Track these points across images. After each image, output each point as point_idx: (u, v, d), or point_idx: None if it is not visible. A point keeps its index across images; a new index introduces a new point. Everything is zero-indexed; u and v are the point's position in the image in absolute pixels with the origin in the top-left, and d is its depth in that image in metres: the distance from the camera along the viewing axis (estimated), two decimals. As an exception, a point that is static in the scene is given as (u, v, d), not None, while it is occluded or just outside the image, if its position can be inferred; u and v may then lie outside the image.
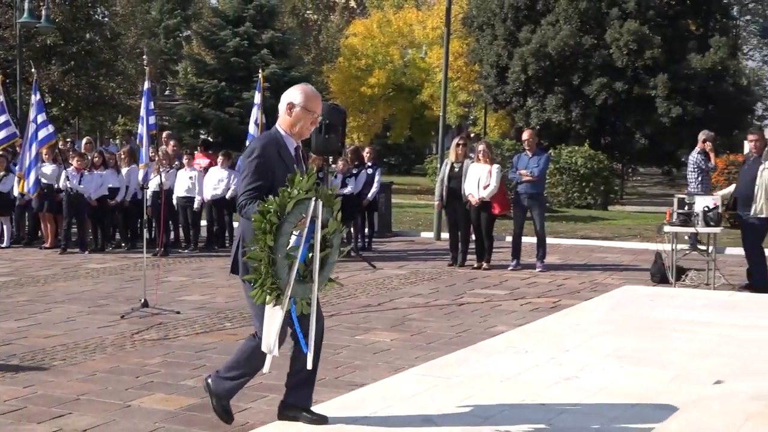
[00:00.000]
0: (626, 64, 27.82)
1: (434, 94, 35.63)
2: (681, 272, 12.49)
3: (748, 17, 59.05)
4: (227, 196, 15.96)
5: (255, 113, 15.17)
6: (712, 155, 15.46)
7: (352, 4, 57.64)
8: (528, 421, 5.74)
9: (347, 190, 15.22)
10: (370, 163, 16.24)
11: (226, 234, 16.49)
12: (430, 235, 18.35)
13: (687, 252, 13.08)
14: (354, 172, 15.65)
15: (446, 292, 11.69)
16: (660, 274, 12.50)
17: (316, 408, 5.88)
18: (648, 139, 28.90)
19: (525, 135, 14.46)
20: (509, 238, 14.55)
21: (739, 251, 12.56)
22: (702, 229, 12.08)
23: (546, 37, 28.44)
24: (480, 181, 13.70)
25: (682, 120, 27.59)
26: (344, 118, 14.50)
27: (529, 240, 14.26)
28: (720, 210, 12.17)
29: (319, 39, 52.28)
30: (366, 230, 16.51)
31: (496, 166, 13.88)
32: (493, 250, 14.20)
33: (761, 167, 11.60)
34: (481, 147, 14.24)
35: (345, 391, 6.59)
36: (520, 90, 29.37)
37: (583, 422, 5.73)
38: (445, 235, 15.05)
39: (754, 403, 6.13)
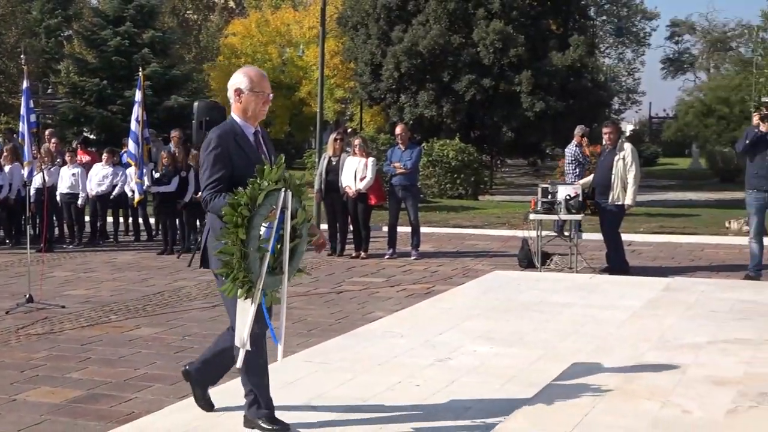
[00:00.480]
0: (493, 61, 28.20)
1: (312, 91, 35.60)
2: (546, 257, 12.76)
3: (604, 17, 60.71)
4: (112, 194, 15.74)
5: (136, 111, 14.88)
6: (586, 149, 15.88)
7: (231, 4, 57.11)
8: (404, 402, 5.79)
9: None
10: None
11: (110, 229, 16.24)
12: (310, 226, 18.28)
13: (551, 238, 13.36)
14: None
15: (326, 281, 11.70)
16: (527, 259, 12.74)
17: (190, 398, 5.80)
18: (514, 132, 29.36)
19: (398, 129, 14.58)
20: (385, 228, 14.62)
21: (599, 236, 12.88)
22: (564, 216, 12.35)
23: (417, 36, 28.62)
24: (356, 173, 13.76)
25: (545, 114, 28.14)
26: (224, 115, 14.31)
27: (404, 229, 14.37)
28: (581, 198, 12.47)
29: (199, 38, 51.59)
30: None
31: (371, 160, 13.96)
32: (370, 239, 14.26)
33: (616, 158, 11.93)
34: (357, 141, 14.29)
35: (227, 379, 6.54)
36: (394, 87, 29.49)
37: (456, 401, 5.81)
38: (324, 225, 15.04)
39: (612, 377, 6.30)
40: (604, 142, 12.57)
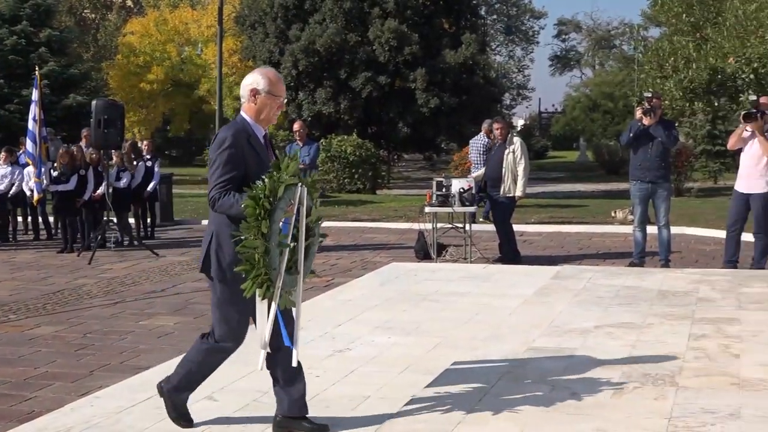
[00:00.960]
0: (388, 59, 28.36)
1: (211, 89, 35.20)
2: (441, 249, 12.86)
3: (494, 16, 61.43)
4: (10, 193, 15.34)
5: (33, 110, 14.57)
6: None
7: (129, 3, 56.16)
8: (307, 393, 5.77)
9: (122, 183, 14.80)
10: (148, 156, 15.91)
11: (9, 228, 15.79)
12: (211, 222, 18.12)
13: (446, 230, 13.47)
14: (125, 166, 15.14)
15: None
16: (423, 251, 12.82)
17: (99, 393, 5.70)
18: (410, 127, 29.57)
19: (296, 126, 14.49)
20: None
21: (492, 227, 13.03)
22: (458, 209, 12.46)
23: (314, 34, 28.61)
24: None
25: (440, 110, 28.44)
26: (122, 113, 14.19)
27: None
28: (474, 191, 12.61)
29: (97, 37, 50.66)
30: (148, 220, 16.20)
31: (270, 156, 13.87)
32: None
33: (506, 152, 12.11)
34: (255, 139, 14.18)
35: (129, 375, 6.44)
36: (292, 84, 29.41)
37: (355, 390, 5.82)
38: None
39: (505, 363, 6.40)
40: (494, 137, 12.74)
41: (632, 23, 55.80)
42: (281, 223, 4.73)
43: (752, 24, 19.44)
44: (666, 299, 8.69)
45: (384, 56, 28.32)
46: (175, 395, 5.23)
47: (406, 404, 5.47)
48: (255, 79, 5.13)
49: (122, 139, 14.58)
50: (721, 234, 11.45)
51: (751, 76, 19.68)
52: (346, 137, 26.80)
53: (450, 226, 13.30)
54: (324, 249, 13.86)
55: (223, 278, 4.98)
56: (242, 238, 4.67)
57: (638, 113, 11.47)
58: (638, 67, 25.36)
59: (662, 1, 24.10)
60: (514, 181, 12.08)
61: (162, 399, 5.28)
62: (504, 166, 12.07)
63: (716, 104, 22.66)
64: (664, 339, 7.07)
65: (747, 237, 11.13)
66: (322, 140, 25.41)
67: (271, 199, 4.65)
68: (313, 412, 5.17)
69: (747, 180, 10.78)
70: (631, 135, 11.36)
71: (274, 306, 4.79)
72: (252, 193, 4.65)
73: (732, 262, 10.89)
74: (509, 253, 12.27)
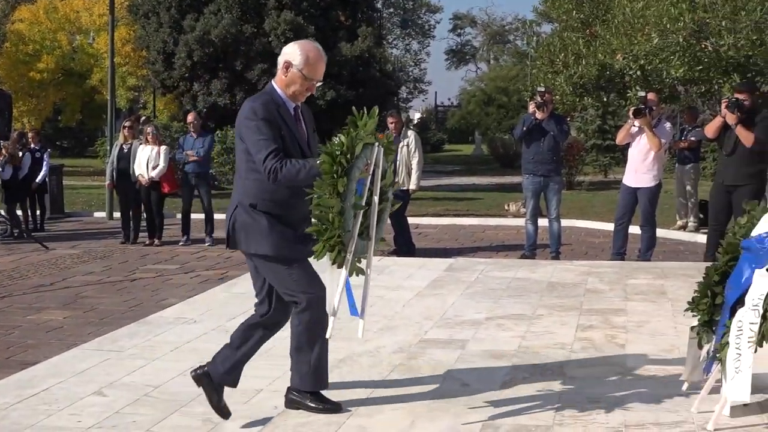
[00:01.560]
0: (284, 51, 28.21)
1: (103, 79, 34.40)
2: (336, 241, 12.86)
3: (391, 10, 61.62)
4: None
5: None
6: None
7: (18, -11, 54.60)
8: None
9: (6, 174, 14.46)
10: (36, 147, 15.54)
11: None
12: (103, 214, 17.82)
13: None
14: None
15: (119, 269, 11.42)
16: (318, 243, 12.80)
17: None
18: (306, 120, 29.48)
19: (190, 117, 14.40)
20: (179, 216, 14.41)
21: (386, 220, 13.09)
22: (354, 202, 12.48)
23: (209, 25, 28.25)
24: (149, 161, 13.49)
25: (336, 102, 28.36)
26: (10, 103, 13.82)
27: (198, 216, 14.18)
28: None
29: (-16, 24, 49.12)
30: (37, 212, 15.84)
31: (164, 148, 13.72)
32: (164, 227, 14.01)
33: (401, 145, 12.18)
34: (149, 129, 14.02)
35: (16, 370, 6.29)
36: (187, 75, 29.00)
37: (248, 383, 5.76)
38: (117, 214, 14.65)
39: (397, 355, 6.45)
40: (388, 130, 12.80)
41: (526, 19, 56.64)
42: (356, 183, 4.55)
43: (639, 22, 19.86)
44: (555, 291, 8.87)
45: (280, 48, 27.88)
46: (309, 383, 5.22)
47: (299, 397, 5.47)
48: (293, 52, 4.97)
49: (9, 129, 14.21)
50: (610, 227, 11.73)
51: (638, 72, 20.11)
52: (241, 129, 26.54)
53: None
54: (219, 242, 13.75)
55: (260, 253, 4.93)
56: (317, 195, 4.50)
57: (531, 107, 11.65)
58: (530, 63, 25.74)
59: (554, -3, 24.47)
60: (408, 174, 12.18)
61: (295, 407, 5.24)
62: (398, 159, 12.14)
63: (605, 100, 23.12)
64: (553, 330, 7.21)
65: (634, 230, 11.42)
66: (217, 132, 25.12)
67: (348, 156, 4.49)
68: (204, 407, 5.13)
69: (635, 174, 11.05)
70: (524, 128, 11.53)
71: (344, 272, 4.68)
72: (328, 149, 4.50)
73: (620, 254, 11.16)
74: (404, 245, 12.36)
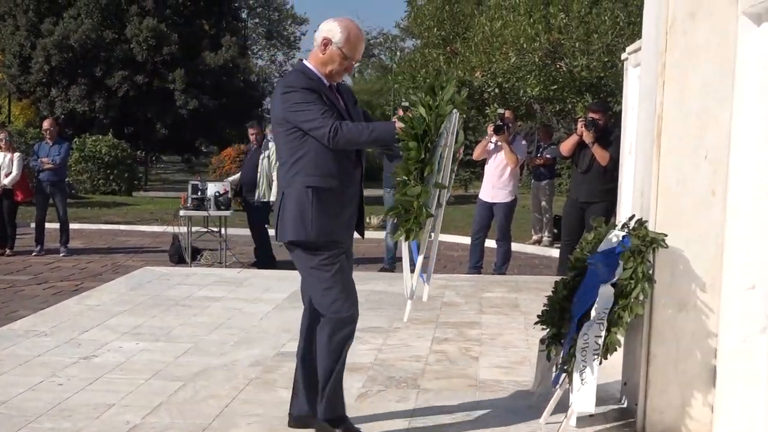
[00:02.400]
0: (146, 58, 27.79)
1: (-45, 82, 33.25)
2: (196, 252, 12.73)
3: (256, 20, 61.30)
4: None
5: None
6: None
7: None
8: (45, 401, 5.55)
9: None
10: None
11: None
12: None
13: (202, 234, 13.33)
14: None
15: (-33, 280, 11.01)
16: (177, 254, 12.66)
17: None
18: (168, 129, 29.10)
19: (45, 124, 14.01)
20: (33, 225, 13.99)
21: (248, 232, 13.02)
22: (213, 213, 12.38)
23: (68, 29, 27.63)
24: (2, 168, 13.07)
25: (199, 112, 28.11)
26: None
27: (52, 225, 13.80)
28: (230, 195, 12.56)
29: None
30: None
31: (17, 155, 13.34)
32: (17, 236, 13.58)
33: (262, 156, 12.15)
34: (1, 135, 13.57)
35: None
36: (45, 80, 28.28)
37: (100, 398, 5.66)
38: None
39: (253, 368, 6.41)
40: (250, 142, 12.74)
41: (390, 34, 57.17)
42: (437, 159, 4.35)
43: (497, 41, 20.32)
44: (413, 304, 8.94)
45: (142, 55, 27.73)
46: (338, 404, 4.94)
47: (152, 412, 5.38)
48: (332, 29, 4.66)
49: None
50: (469, 240, 11.95)
51: (497, 90, 20.58)
52: (101, 137, 25.98)
53: (205, 230, 13.17)
54: (75, 252, 13.44)
55: (304, 242, 4.70)
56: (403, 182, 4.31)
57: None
58: (393, 77, 25.98)
59: (415, 14, 24.84)
60: (270, 186, 12.13)
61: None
62: (259, 170, 12.11)
63: (464, 115, 23.50)
64: (409, 343, 7.30)
65: (491, 244, 11.66)
66: (75, 139, 24.53)
67: (433, 137, 4.27)
68: (53, 423, 5.00)
69: (491, 190, 11.28)
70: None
71: (405, 246, 4.59)
72: (410, 131, 4.25)
73: (476, 267, 11.37)
74: (264, 257, 12.30)
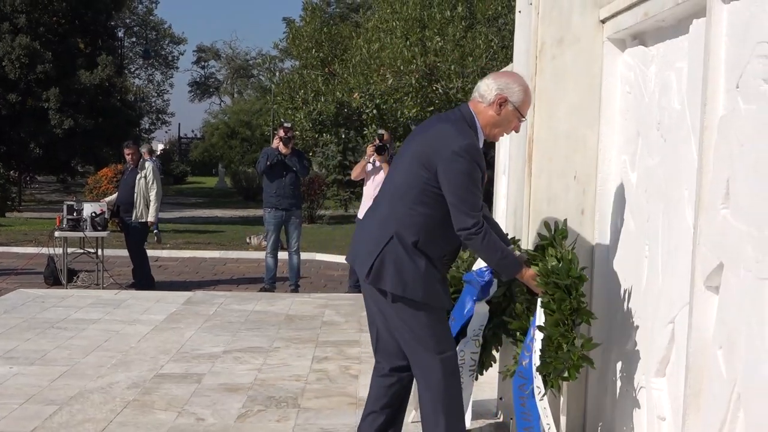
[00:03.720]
0: (19, 76, 26.99)
1: None
2: (72, 274, 12.43)
3: (134, 39, 60.37)
4: None
5: None
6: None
7: None
8: None
9: None
10: None
11: None
12: None
13: (78, 255, 13.01)
14: None
15: None
16: (53, 276, 12.34)
17: None
18: (43, 149, 28.29)
19: None
20: None
21: (126, 253, 12.77)
22: (90, 234, 12.13)
23: (-65, 46, 26.71)
24: None
25: (75, 131, 27.46)
26: None
27: None
28: (107, 215, 12.32)
29: None
30: None
31: None
32: None
33: (138, 176, 11.98)
34: None
35: None
36: None
37: (41, 399, 5.49)
38: None
39: (131, 390, 6.30)
40: (126, 162, 12.53)
41: (268, 54, 57.08)
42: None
43: (375, 63, 20.57)
44: (293, 323, 8.96)
45: (15, 73, 26.91)
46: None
47: (26, 438, 5.24)
48: (509, 86, 4.24)
49: None
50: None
51: (375, 111, 20.80)
52: (-29, 157, 25.18)
53: (82, 251, 12.87)
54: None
55: (415, 298, 4.21)
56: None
57: (276, 142, 11.70)
58: (272, 98, 25.98)
59: (294, 35, 24.93)
60: (147, 206, 11.95)
61: None
62: (136, 191, 11.92)
63: (343, 136, 23.67)
64: (289, 362, 7.29)
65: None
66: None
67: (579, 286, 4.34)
68: None
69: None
70: (268, 163, 11.61)
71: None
72: (554, 280, 4.28)
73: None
74: (143, 279, 12.09)
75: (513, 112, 4.24)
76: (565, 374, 4.34)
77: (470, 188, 4.07)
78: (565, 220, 4.53)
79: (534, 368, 4.38)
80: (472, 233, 4.07)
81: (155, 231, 15.73)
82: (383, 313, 4.35)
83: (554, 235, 4.44)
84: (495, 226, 4.57)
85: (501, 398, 5.75)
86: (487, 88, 4.25)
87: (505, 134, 4.40)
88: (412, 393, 4.66)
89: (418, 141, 4.32)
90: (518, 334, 4.67)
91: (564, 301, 4.23)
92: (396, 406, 4.58)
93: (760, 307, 3.15)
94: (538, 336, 4.37)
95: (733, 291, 3.36)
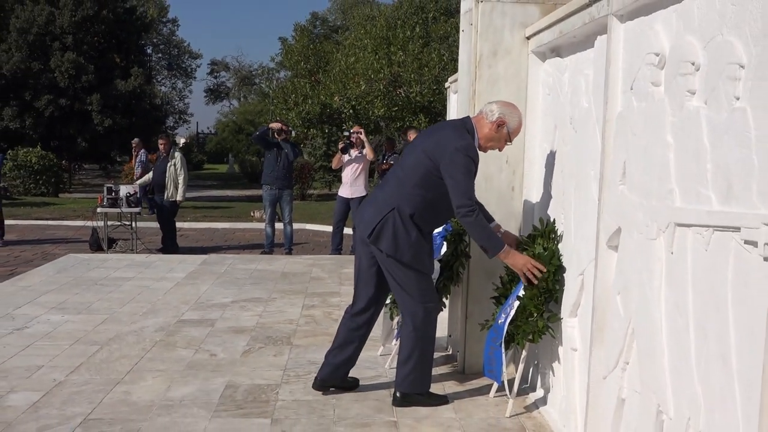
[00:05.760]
0: (68, 85, 26.67)
1: None
2: (112, 242, 12.32)
3: (159, 55, 59.71)
4: None
5: None
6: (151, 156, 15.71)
7: None
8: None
9: None
10: None
11: None
12: None
13: (116, 226, 12.90)
14: None
15: None
16: (96, 243, 12.22)
17: None
18: (87, 143, 28.00)
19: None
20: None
21: (154, 224, 12.65)
22: (125, 210, 12.02)
23: (1, 61, 26.28)
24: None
25: (113, 129, 27.20)
26: None
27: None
28: (139, 195, 12.20)
29: None
30: None
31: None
32: (-42, 232, 12.84)
33: (169, 164, 11.86)
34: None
35: None
36: (-19, 103, 26.79)
37: (31, 361, 5.43)
38: None
39: (158, 333, 6.26)
40: (159, 151, 12.41)
41: (268, 66, 56.53)
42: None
43: (351, 72, 20.45)
44: (287, 279, 8.93)
45: (64, 82, 26.56)
46: (422, 387, 4.51)
47: (74, 370, 5.20)
48: (511, 113, 4.29)
49: None
50: (331, 229, 11.93)
51: (351, 111, 20.70)
52: (31, 149, 24.79)
53: (119, 223, 12.76)
54: (10, 243, 12.82)
55: (402, 260, 4.28)
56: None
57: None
58: (270, 101, 25.80)
59: (287, 51, 24.75)
60: (176, 188, 11.85)
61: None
62: (167, 175, 11.81)
63: (327, 131, 23.58)
64: (284, 309, 7.27)
65: (349, 231, 11.70)
66: (9, 151, 23.36)
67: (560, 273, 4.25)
68: (-11, 383, 4.76)
69: (348, 188, 11.34)
70: (258, 134, 11.59)
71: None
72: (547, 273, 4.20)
73: (337, 250, 11.41)
74: (169, 245, 12.01)
75: (505, 135, 4.31)
76: (530, 337, 4.32)
77: (467, 176, 4.12)
78: (554, 220, 4.44)
79: (506, 327, 4.35)
80: (469, 211, 4.09)
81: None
82: (383, 264, 4.38)
83: (545, 229, 4.41)
84: (483, 209, 4.56)
85: (450, 335, 5.77)
86: (492, 108, 4.32)
87: (494, 149, 4.41)
88: (381, 332, 4.64)
89: (428, 138, 4.36)
90: (502, 298, 4.60)
91: (543, 281, 4.20)
92: (356, 344, 4.69)
93: (648, 261, 3.17)
94: (516, 304, 4.33)
95: (629, 249, 3.38)
